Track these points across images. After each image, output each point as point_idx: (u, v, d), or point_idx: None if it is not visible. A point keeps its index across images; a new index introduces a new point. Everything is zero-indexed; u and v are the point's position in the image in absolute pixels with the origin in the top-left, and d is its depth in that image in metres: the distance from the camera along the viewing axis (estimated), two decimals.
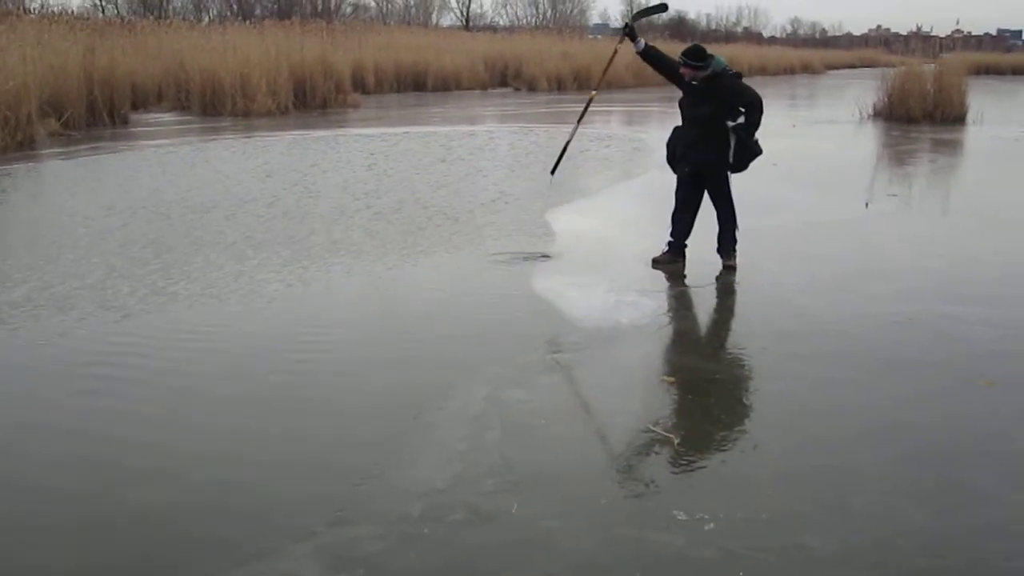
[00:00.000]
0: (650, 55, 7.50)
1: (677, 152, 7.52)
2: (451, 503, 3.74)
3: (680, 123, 7.53)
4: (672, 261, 7.53)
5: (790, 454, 4.30)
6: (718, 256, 7.47)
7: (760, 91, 7.35)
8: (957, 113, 21.28)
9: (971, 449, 4.32)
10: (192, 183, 11.77)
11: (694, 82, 7.26)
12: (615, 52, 8.07)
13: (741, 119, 7.09)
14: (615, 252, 7.90)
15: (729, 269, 7.38)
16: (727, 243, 7.47)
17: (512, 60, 36.65)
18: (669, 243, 7.58)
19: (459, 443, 4.29)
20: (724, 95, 7.17)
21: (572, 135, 8.09)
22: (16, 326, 6.05)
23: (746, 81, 7.38)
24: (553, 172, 8.16)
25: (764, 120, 7.17)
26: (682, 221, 7.54)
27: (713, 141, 7.23)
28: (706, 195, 7.51)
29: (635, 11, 7.57)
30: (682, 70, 7.27)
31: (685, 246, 7.58)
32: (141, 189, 11.32)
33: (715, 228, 7.46)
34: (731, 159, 7.25)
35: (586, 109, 8.15)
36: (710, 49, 7.33)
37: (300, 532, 3.53)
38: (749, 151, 7.22)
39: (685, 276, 7.33)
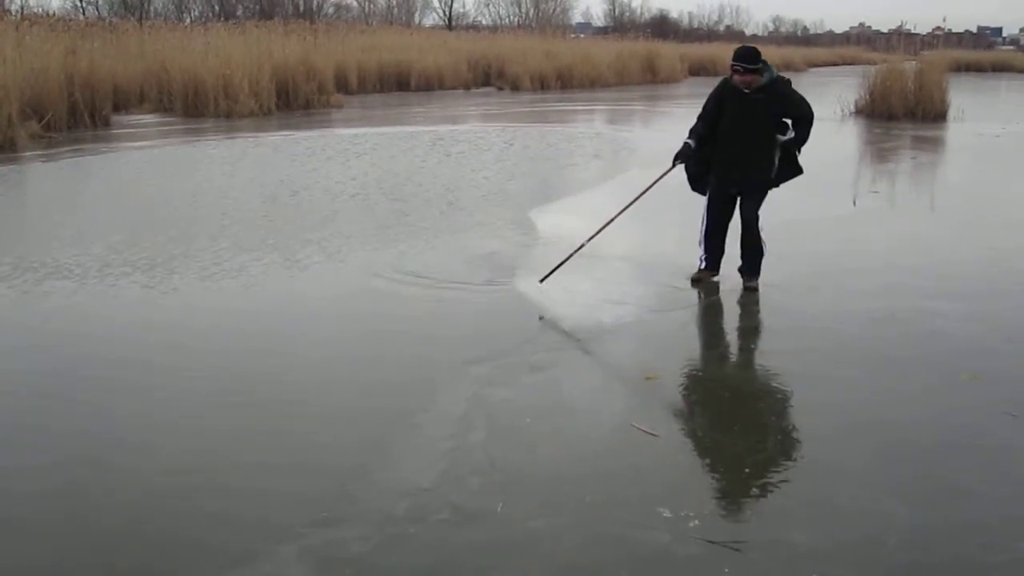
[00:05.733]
0: (701, 139, 6.69)
1: (715, 169, 6.76)
2: (437, 503, 3.75)
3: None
4: (711, 276, 7.02)
5: (773, 450, 4.32)
6: (737, 274, 6.95)
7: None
8: (938, 110, 21.37)
9: (953, 444, 4.35)
10: (173, 183, 11.74)
11: (746, 90, 6.50)
12: (665, 173, 6.85)
13: (791, 133, 6.54)
14: (599, 251, 7.89)
15: (751, 291, 6.81)
16: (755, 265, 6.86)
17: (495, 60, 36.60)
18: (705, 260, 7.02)
19: (444, 443, 4.29)
20: (780, 105, 6.53)
21: (584, 243, 6.86)
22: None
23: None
24: (543, 280, 6.74)
25: None
26: (717, 242, 6.96)
27: (763, 157, 6.60)
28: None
29: (676, 156, 6.75)
30: (736, 78, 6.50)
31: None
32: (122, 188, 11.29)
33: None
34: (773, 175, 6.67)
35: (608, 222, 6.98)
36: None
37: (285, 534, 3.52)
38: (796, 169, 6.68)
39: (676, 278, 7.32)
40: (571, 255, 6.71)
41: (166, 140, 17.12)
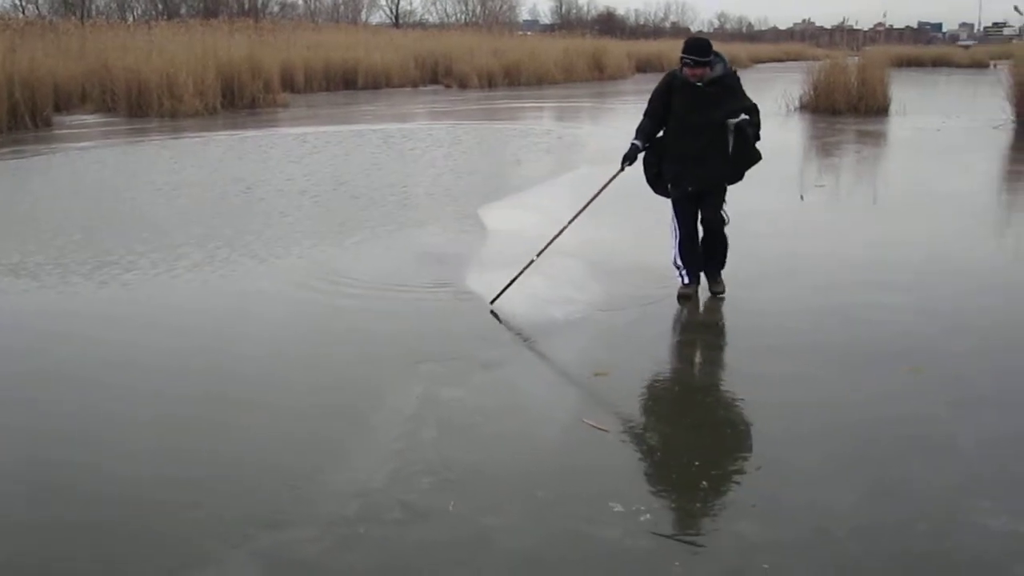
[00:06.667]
0: (648, 138, 6.41)
1: (669, 169, 6.42)
2: (388, 503, 3.73)
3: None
4: (697, 287, 6.63)
5: (723, 444, 4.37)
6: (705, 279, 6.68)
7: None
8: (880, 105, 21.66)
9: (899, 435, 4.40)
10: (120, 183, 11.59)
11: (699, 83, 6.20)
12: (613, 177, 6.46)
13: (743, 116, 6.18)
14: (550, 247, 7.90)
15: (718, 296, 6.58)
16: (719, 264, 6.64)
17: (442, 57, 36.56)
18: (687, 273, 6.58)
19: (394, 442, 4.28)
20: (731, 97, 6.25)
21: (534, 258, 6.57)
22: None
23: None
24: (493, 301, 6.40)
25: None
26: (694, 251, 6.58)
27: (719, 151, 6.25)
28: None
29: (624, 158, 6.36)
30: (686, 71, 6.19)
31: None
32: (68, 190, 11.13)
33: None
34: (731, 164, 6.34)
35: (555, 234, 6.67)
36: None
37: (235, 537, 3.49)
38: (754, 153, 6.33)
39: (626, 274, 7.34)
40: (521, 272, 6.46)
41: (110, 140, 16.89)
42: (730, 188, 6.54)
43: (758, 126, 6.31)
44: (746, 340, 5.82)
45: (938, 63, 59.41)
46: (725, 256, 6.61)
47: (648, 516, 3.63)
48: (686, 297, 6.56)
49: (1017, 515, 3.64)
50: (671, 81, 6.36)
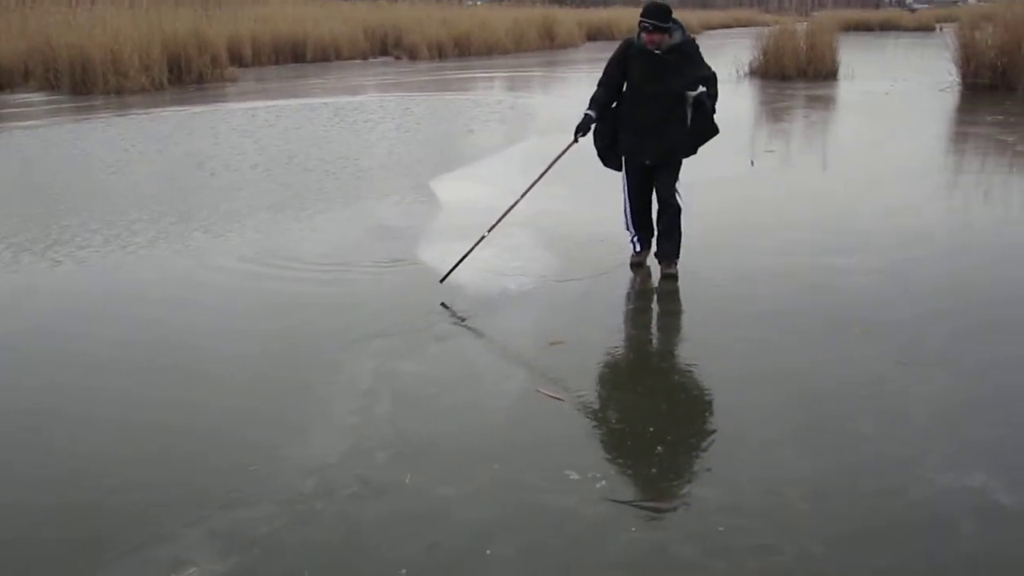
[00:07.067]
0: (602, 108, 6.23)
1: (625, 141, 6.27)
2: (344, 478, 3.73)
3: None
4: (648, 256, 6.61)
5: (675, 411, 4.40)
6: (656, 260, 6.51)
7: None
8: (829, 69, 21.87)
9: (849, 394, 4.47)
10: (68, 162, 11.41)
11: (657, 51, 6.01)
12: (566, 149, 6.30)
13: (701, 88, 6.00)
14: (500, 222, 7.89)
15: (670, 278, 6.30)
16: (674, 246, 6.36)
17: (392, 29, 36.18)
18: (639, 241, 6.57)
19: (350, 417, 4.27)
20: (690, 65, 6.06)
21: (485, 234, 6.41)
22: None
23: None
24: (443, 279, 6.23)
25: None
26: (646, 220, 6.51)
27: (676, 122, 6.11)
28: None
29: (577, 129, 6.17)
30: (644, 37, 5.99)
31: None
32: (15, 169, 10.96)
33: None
34: (688, 136, 6.18)
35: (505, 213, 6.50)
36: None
37: (192, 516, 3.47)
38: (712, 127, 6.21)
39: (578, 244, 7.36)
40: (471, 249, 6.36)
41: (56, 119, 16.59)
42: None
43: (715, 97, 6.14)
44: (698, 304, 5.86)
45: (885, 27, 59.75)
46: (679, 238, 6.35)
47: (604, 483, 3.66)
48: (639, 265, 6.58)
49: (965, 471, 3.72)
50: (627, 49, 6.15)
